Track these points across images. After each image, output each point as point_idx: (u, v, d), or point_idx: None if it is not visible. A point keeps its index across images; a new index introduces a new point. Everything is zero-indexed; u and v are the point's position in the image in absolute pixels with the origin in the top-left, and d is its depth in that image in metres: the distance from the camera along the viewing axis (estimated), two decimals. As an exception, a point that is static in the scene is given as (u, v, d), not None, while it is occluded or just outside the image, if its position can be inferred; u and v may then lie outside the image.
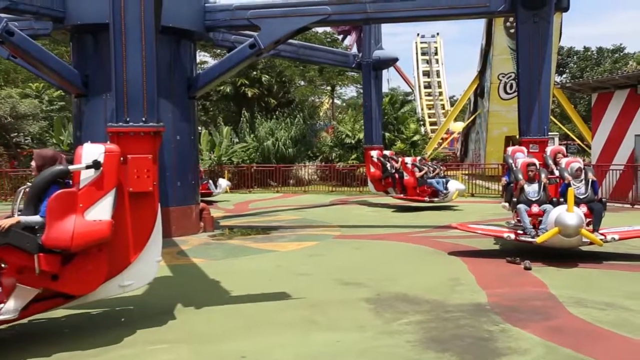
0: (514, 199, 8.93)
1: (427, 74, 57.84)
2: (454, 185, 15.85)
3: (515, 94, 26.64)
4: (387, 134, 27.07)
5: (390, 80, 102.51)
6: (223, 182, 20.60)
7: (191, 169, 11.79)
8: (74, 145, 12.52)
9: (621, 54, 49.98)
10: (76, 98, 11.72)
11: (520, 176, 8.93)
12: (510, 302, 5.89)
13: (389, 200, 17.56)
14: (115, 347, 4.67)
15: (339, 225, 12.51)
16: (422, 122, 37.99)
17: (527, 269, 7.48)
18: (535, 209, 8.51)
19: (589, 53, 52.52)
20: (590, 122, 21.89)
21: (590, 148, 22.92)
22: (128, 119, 5.51)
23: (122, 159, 5.08)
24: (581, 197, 8.44)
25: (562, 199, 8.35)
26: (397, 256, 8.79)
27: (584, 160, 30.33)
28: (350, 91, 57.44)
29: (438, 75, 57.62)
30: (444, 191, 15.42)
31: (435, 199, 15.44)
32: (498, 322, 5.21)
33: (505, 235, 8.62)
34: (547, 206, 8.35)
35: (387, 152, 18.00)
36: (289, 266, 8.10)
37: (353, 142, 26.97)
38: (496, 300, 5.99)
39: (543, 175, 8.90)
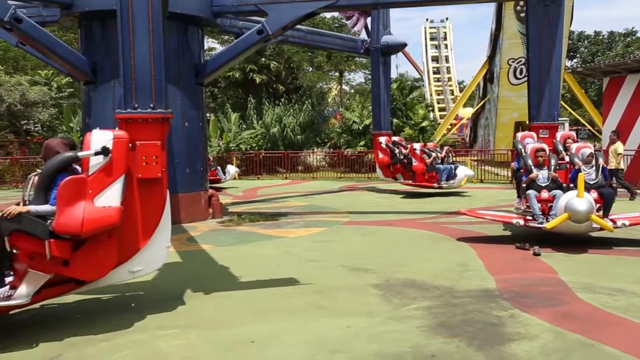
0: (524, 185, 8.87)
1: (436, 59, 57.35)
2: (463, 172, 15.72)
3: (525, 79, 26.42)
4: (395, 120, 26.95)
5: (398, 65, 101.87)
6: (231, 169, 20.61)
7: (200, 156, 11.82)
8: (83, 132, 12.58)
9: (633, 37, 49.33)
10: (85, 85, 11.75)
11: (529, 162, 8.88)
12: (519, 288, 5.89)
13: (397, 187, 17.53)
14: (126, 332, 4.73)
15: (347, 212, 12.51)
16: (430, 108, 37.69)
17: (537, 254, 7.46)
18: (544, 194, 8.46)
19: (600, 37, 51.90)
20: (601, 107, 21.68)
21: (600, 133, 22.72)
22: (136, 106, 5.51)
23: (130, 145, 5.09)
24: (592, 182, 8.35)
25: (572, 185, 8.29)
26: (406, 242, 8.79)
27: (594, 146, 30.09)
28: (358, 77, 57.11)
29: (447, 61, 57.13)
30: (448, 181, 15.28)
31: (444, 185, 15.31)
32: (507, 308, 5.21)
33: (514, 221, 8.55)
34: (557, 192, 8.30)
35: (395, 138, 17.87)
36: (297, 252, 8.13)
37: (361, 128, 26.88)
38: (505, 286, 5.99)
39: (553, 161, 8.83)
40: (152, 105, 5.56)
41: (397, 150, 16.78)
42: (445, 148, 17.47)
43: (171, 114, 5.76)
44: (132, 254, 5.20)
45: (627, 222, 8.03)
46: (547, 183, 8.62)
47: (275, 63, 29.56)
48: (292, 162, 25.19)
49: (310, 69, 34.92)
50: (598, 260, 7.23)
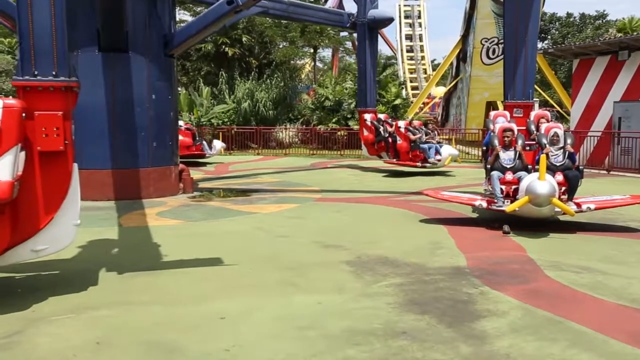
0: (488, 166, 8.64)
1: (409, 37, 57.18)
2: (447, 151, 15.63)
3: (498, 59, 26.67)
4: (368, 98, 26.90)
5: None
6: (217, 144, 20.13)
7: (169, 130, 11.53)
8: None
9: (603, 20, 50.01)
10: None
11: (496, 142, 8.58)
12: (489, 266, 5.95)
13: (378, 164, 17.48)
14: (90, 308, 4.61)
15: (319, 188, 12.48)
16: (403, 86, 37.74)
17: (506, 233, 7.55)
18: (509, 176, 8.20)
19: (572, 19, 52.45)
20: (570, 89, 21.99)
21: (569, 115, 23.08)
22: (36, 73, 5.00)
23: (24, 115, 4.65)
24: (557, 164, 8.13)
25: (537, 167, 7.96)
26: (378, 219, 8.81)
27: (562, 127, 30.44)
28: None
29: (421, 40, 57.01)
30: (434, 158, 15.08)
31: (427, 164, 15.14)
32: (477, 285, 5.26)
33: (476, 203, 8.35)
34: (522, 173, 8.07)
35: (381, 116, 17.54)
36: (269, 228, 8.06)
37: (333, 104, 26.77)
38: (475, 263, 6.05)
39: (520, 142, 8.53)
40: (54, 73, 5.06)
41: (381, 128, 16.51)
42: (430, 126, 17.21)
43: (77, 82, 5.29)
44: (34, 232, 4.84)
45: (592, 206, 7.89)
46: (513, 164, 8.32)
47: (247, 37, 29.06)
48: (264, 138, 24.98)
49: (284, 43, 34.44)
50: (566, 239, 7.36)
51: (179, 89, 27.21)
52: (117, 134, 10.69)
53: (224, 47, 28.65)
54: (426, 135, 15.75)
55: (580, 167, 8.39)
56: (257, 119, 26.30)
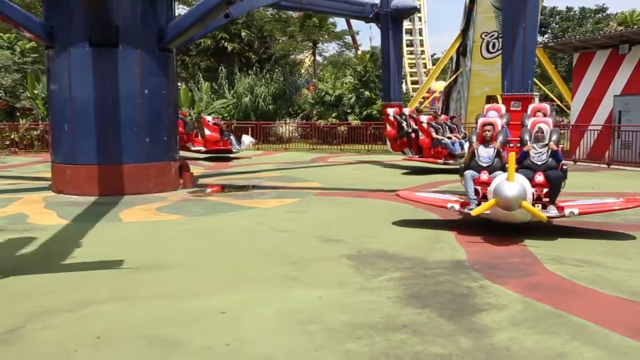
0: (463, 164, 7.88)
1: (409, 32, 57.04)
2: None
3: (498, 53, 26.52)
4: (367, 92, 26.91)
5: (372, 38, 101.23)
6: (246, 139, 19.83)
7: (163, 125, 11.37)
8: (48, 98, 12.18)
9: (603, 14, 49.86)
10: (47, 50, 11.35)
11: (474, 138, 7.87)
12: (489, 259, 5.96)
13: (396, 159, 17.19)
14: (91, 303, 4.61)
15: (320, 183, 12.47)
16: (403, 81, 37.70)
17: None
18: (484, 176, 7.41)
19: (572, 13, 52.30)
20: (570, 83, 21.95)
21: (569, 109, 23.05)
22: None
23: None
24: (539, 164, 7.36)
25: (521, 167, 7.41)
26: (379, 214, 8.81)
27: (562, 121, 30.44)
28: (332, 48, 56.61)
29: (420, 34, 56.81)
30: (458, 152, 14.21)
31: (451, 161, 14.31)
32: (477, 279, 5.26)
33: (448, 205, 7.54)
34: (498, 173, 7.28)
35: (406, 110, 16.76)
36: (269, 223, 8.07)
37: (333, 99, 26.74)
38: (475, 257, 6.05)
39: (500, 138, 7.74)
40: None
41: (404, 123, 15.74)
42: (455, 120, 16.27)
43: None
44: None
45: (576, 211, 7.04)
46: (490, 163, 7.55)
47: (246, 31, 29.00)
48: (264, 132, 24.96)
49: (283, 38, 34.39)
50: (565, 232, 7.36)
51: (179, 84, 27.18)
52: (108, 130, 10.67)
53: (223, 42, 28.62)
54: (450, 131, 15.01)
55: (564, 167, 7.54)
56: (256, 113, 26.29)
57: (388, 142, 17.32)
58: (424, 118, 15.18)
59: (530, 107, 9.45)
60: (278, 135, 25.63)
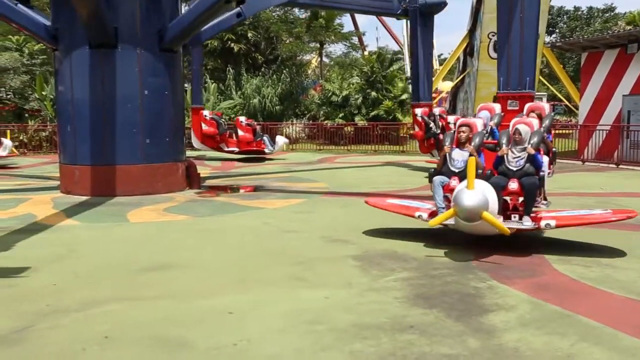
0: (433, 169, 7.12)
1: (416, 32, 56.97)
2: None
3: (505, 53, 26.32)
4: (374, 93, 26.88)
5: (379, 38, 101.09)
6: (280, 140, 19.76)
7: (165, 127, 11.29)
8: (56, 100, 12.26)
9: (612, 13, 49.60)
10: (54, 52, 11.45)
11: (447, 141, 7.13)
12: (496, 260, 5.93)
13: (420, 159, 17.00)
14: (99, 303, 4.63)
15: (326, 184, 12.47)
16: (410, 81, 37.60)
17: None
18: (454, 182, 6.63)
19: (580, 13, 52.06)
20: (579, 83, 21.84)
21: (577, 109, 22.93)
22: None
23: None
24: (515, 169, 6.53)
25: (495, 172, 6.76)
26: (385, 214, 8.75)
27: (569, 121, 30.22)
28: (339, 49, 56.64)
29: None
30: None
31: None
32: (485, 279, 5.24)
33: (416, 214, 6.88)
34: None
35: (436, 110, 15.72)
36: (276, 223, 8.07)
37: (340, 100, 26.73)
38: (483, 257, 6.02)
39: (476, 141, 6.94)
40: None
41: (432, 124, 14.69)
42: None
43: None
44: None
45: (552, 223, 6.25)
46: (462, 168, 6.65)
47: (253, 32, 29.05)
48: (270, 133, 24.98)
49: (290, 39, 34.43)
50: (573, 232, 7.30)
51: (186, 85, 27.25)
52: (106, 131, 10.71)
53: (229, 43, 28.67)
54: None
55: (543, 173, 6.69)
56: (264, 114, 26.33)
57: (419, 145, 16.40)
58: (451, 118, 14.36)
59: (527, 106, 8.78)
60: (285, 136, 25.66)
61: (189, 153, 21.20)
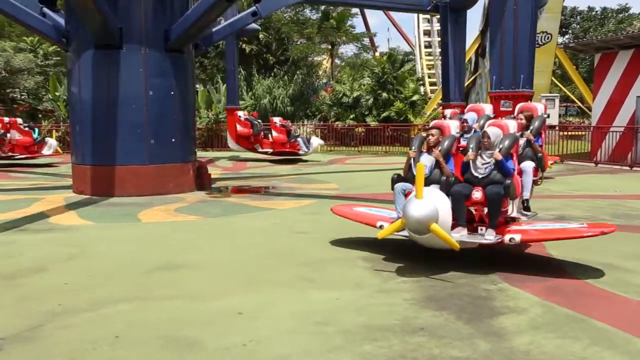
0: (396, 175, 6.54)
1: (427, 33, 56.80)
2: None
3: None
4: (385, 94, 26.83)
5: (390, 39, 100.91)
6: (315, 141, 19.68)
7: (171, 127, 11.21)
8: (69, 100, 12.37)
9: (626, 14, 49.15)
10: (67, 52, 11.57)
11: (414, 145, 6.52)
12: (508, 262, 5.88)
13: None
14: (110, 302, 4.65)
15: (337, 185, 12.46)
16: (421, 82, 37.50)
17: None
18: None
19: (593, 13, 51.64)
20: (592, 84, 21.64)
21: (590, 110, 22.73)
22: None
23: None
24: (480, 177, 5.94)
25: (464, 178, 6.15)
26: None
27: (582, 122, 29.93)
28: (350, 50, 56.61)
29: (439, 35, 56.73)
30: None
31: None
32: (496, 282, 5.20)
33: (378, 224, 6.39)
34: (434, 187, 5.88)
35: (448, 112, 15.76)
36: (286, 224, 8.07)
37: (350, 101, 26.70)
38: (494, 260, 5.97)
39: (445, 144, 6.33)
40: None
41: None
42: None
43: None
44: None
45: (517, 238, 5.63)
46: (428, 175, 6.06)
47: (264, 33, 29.12)
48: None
49: (301, 40, 34.50)
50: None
51: (197, 85, 27.38)
52: (110, 131, 10.77)
53: (241, 43, 28.77)
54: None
55: (508, 182, 5.78)
56: (274, 115, 26.38)
57: None
58: (448, 112, 13.43)
59: (517, 107, 8.16)
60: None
61: (223, 154, 21.43)
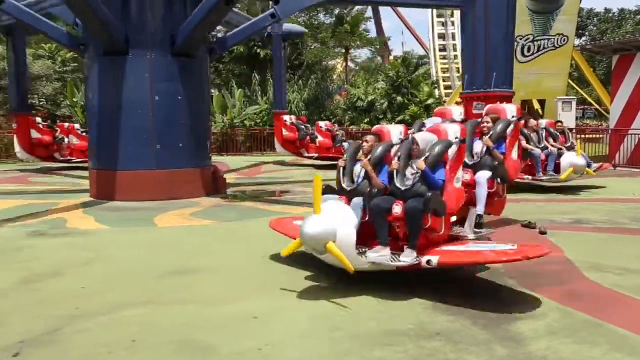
0: (325, 185, 5.61)
1: (442, 37, 56.60)
2: (568, 160, 11.02)
3: (533, 57, 26.03)
4: (399, 98, 26.77)
5: (405, 43, 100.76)
6: None
7: (179, 132, 11.12)
8: (86, 107, 12.53)
9: (644, 15, 48.53)
10: (85, 59, 11.74)
11: (347, 153, 5.89)
12: (526, 267, 5.79)
13: None
14: (125, 307, 4.68)
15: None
16: (436, 86, 37.35)
17: (543, 233, 7.36)
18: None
19: (611, 15, 51.06)
20: (609, 86, 21.39)
21: (608, 113, 22.46)
22: None
23: None
24: (404, 189, 5.30)
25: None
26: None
27: (600, 125, 29.53)
28: (364, 54, 56.59)
29: (454, 38, 56.30)
30: (547, 173, 11.13)
31: (544, 178, 11.09)
32: (513, 287, 5.15)
33: None
34: (357, 200, 5.39)
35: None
36: (301, 229, 8.05)
37: (365, 105, 26.67)
38: (512, 264, 5.90)
39: (377, 152, 5.59)
40: None
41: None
42: (559, 126, 12.30)
43: None
44: None
45: (435, 260, 4.92)
46: (356, 186, 5.61)
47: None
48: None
49: (315, 44, 34.59)
50: (605, 240, 7.15)
51: (212, 90, 27.55)
52: (120, 136, 10.87)
53: (255, 48, 28.93)
54: (554, 140, 11.58)
55: (429, 195, 5.09)
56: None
57: None
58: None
59: (486, 108, 7.42)
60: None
61: (269, 158, 21.45)
